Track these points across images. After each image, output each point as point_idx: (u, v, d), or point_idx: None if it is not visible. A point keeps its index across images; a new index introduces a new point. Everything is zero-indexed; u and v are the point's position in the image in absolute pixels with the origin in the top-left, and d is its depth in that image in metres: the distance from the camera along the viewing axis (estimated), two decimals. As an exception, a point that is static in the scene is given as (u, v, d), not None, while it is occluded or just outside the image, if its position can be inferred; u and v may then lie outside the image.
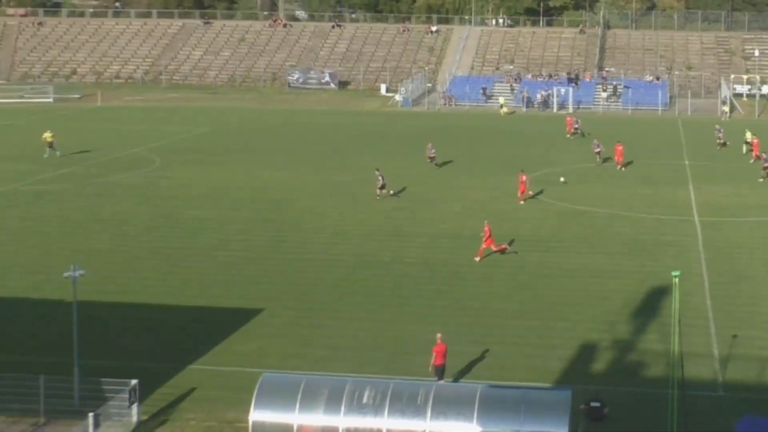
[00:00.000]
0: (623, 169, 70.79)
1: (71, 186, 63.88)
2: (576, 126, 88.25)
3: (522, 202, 60.01)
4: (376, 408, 27.77)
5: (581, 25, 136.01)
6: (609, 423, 29.83)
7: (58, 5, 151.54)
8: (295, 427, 27.66)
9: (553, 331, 38.61)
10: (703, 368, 34.67)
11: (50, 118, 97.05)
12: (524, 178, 60.91)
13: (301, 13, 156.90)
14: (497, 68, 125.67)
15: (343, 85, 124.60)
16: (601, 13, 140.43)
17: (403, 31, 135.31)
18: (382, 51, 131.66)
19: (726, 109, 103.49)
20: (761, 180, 66.61)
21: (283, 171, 69.22)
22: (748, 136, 78.12)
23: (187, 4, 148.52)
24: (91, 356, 33.28)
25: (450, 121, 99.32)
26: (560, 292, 43.47)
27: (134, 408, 30.02)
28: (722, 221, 56.21)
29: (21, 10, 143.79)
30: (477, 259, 48.23)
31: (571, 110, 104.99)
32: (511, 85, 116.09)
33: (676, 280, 28.39)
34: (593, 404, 29.82)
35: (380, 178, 60.93)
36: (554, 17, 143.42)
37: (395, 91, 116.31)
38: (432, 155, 71.26)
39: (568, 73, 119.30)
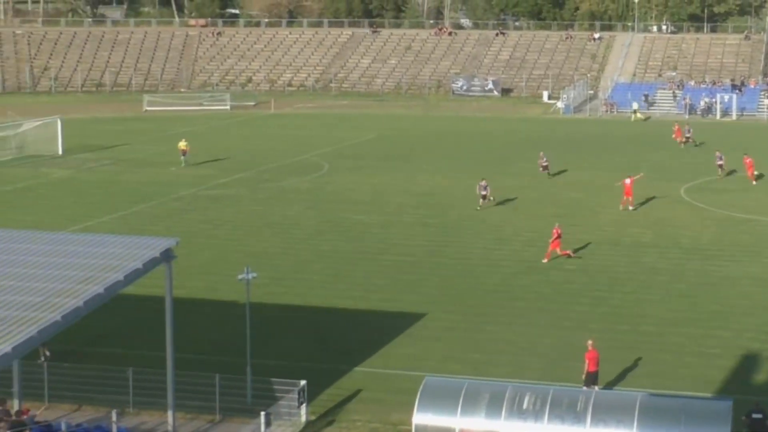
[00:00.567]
0: (755, 182, 66.68)
1: (245, 190, 65.41)
2: (688, 135, 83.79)
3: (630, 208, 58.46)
4: (536, 414, 27.53)
5: (746, 31, 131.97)
6: (770, 436, 28.90)
7: (235, 16, 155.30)
8: (456, 431, 27.65)
9: (713, 340, 37.63)
10: None
11: (227, 125, 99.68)
12: (629, 181, 58.91)
13: (465, 21, 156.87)
14: (660, 75, 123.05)
15: (505, 92, 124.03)
16: (767, 18, 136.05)
17: (566, 38, 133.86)
18: (544, 58, 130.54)
19: None
20: None
21: (446, 177, 69.33)
22: None
23: (356, 14, 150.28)
24: (262, 356, 33.96)
25: (611, 128, 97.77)
26: (720, 301, 42.37)
27: (303, 408, 30.50)
28: None
29: (201, 21, 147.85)
30: (545, 261, 47.93)
31: (686, 117, 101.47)
32: (673, 92, 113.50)
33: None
34: (755, 416, 28.92)
35: (483, 188, 58.94)
36: (718, 23, 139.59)
37: (557, 98, 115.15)
38: (545, 164, 68.87)
39: (732, 80, 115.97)
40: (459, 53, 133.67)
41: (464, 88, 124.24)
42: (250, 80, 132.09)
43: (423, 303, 41.83)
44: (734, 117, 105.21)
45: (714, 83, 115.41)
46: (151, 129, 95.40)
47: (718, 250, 50.43)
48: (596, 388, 31.46)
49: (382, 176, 69.85)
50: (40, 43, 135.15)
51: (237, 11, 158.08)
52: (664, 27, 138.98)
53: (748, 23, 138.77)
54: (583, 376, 32.17)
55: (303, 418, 30.51)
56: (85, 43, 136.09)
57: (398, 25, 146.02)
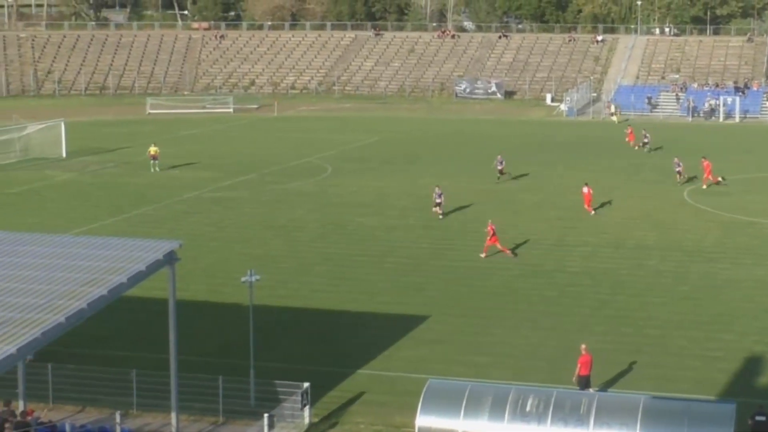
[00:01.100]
0: (705, 186, 65.77)
1: (248, 193, 65.46)
2: (645, 140, 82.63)
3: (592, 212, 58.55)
4: (539, 416, 27.55)
5: (749, 34, 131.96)
6: (773, 438, 28.88)
7: (238, 19, 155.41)
8: (459, 433, 27.68)
9: (717, 343, 37.64)
10: None
11: (230, 128, 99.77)
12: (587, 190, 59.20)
13: (468, 24, 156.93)
14: (663, 77, 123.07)
15: (509, 94, 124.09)
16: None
17: (569, 40, 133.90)
18: (547, 61, 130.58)
19: None
20: None
21: (449, 179, 69.26)
22: None
23: (359, 17, 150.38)
24: (265, 358, 33.98)
25: (613, 130, 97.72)
26: (724, 303, 42.36)
27: (306, 410, 30.54)
28: None
29: (204, 24, 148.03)
30: (482, 255, 49.00)
31: (690, 120, 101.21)
32: (676, 95, 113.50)
33: None
34: (758, 418, 28.91)
35: (436, 195, 58.35)
36: (721, 25, 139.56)
37: (560, 101, 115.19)
38: (501, 168, 68.49)
39: (735, 82, 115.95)
40: (462, 56, 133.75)
41: (467, 90, 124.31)
42: (253, 83, 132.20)
43: (426, 306, 41.85)
44: (737, 119, 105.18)
45: (717, 85, 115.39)
46: (155, 132, 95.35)
47: (721, 252, 50.41)
48: (591, 390, 31.46)
49: (386, 179, 69.89)
50: (44, 47, 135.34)
51: (240, 14, 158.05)
52: (667, 29, 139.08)
53: (751, 25, 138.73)
54: (574, 379, 32.20)
55: (306, 421, 30.56)
56: (89, 47, 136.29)
57: (401, 28, 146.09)
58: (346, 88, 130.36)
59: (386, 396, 32.73)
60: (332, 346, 37.45)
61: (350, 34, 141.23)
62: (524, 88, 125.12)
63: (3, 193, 65.74)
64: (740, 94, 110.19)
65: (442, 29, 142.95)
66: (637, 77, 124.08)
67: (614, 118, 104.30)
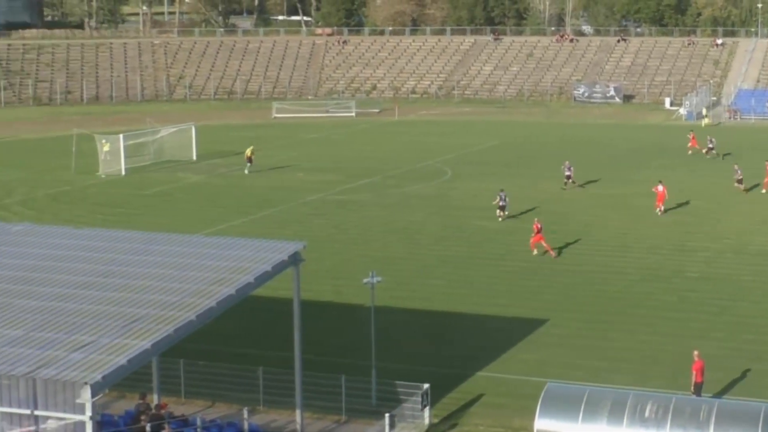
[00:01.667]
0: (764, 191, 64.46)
1: (371, 196, 65.82)
2: (710, 146, 80.00)
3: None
4: (658, 422, 27.07)
5: None
6: None
7: (360, 24, 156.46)
8: (578, 437, 27.37)
9: (842, 352, 36.48)
10: None
11: (352, 131, 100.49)
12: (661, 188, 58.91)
13: (587, 28, 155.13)
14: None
15: (627, 98, 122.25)
16: None
17: (688, 44, 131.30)
18: (666, 64, 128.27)
19: None
20: None
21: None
22: None
23: (478, 21, 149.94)
24: (386, 359, 34.08)
25: (734, 135, 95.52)
26: None
27: (426, 411, 30.56)
28: None
29: (328, 30, 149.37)
30: (534, 252, 49.71)
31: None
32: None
33: None
34: None
35: (500, 198, 58.03)
36: None
37: (679, 105, 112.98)
38: (568, 174, 67.05)
39: None
40: (580, 60, 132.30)
41: (586, 94, 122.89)
42: (374, 87, 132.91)
43: (545, 309, 41.51)
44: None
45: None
46: (280, 135, 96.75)
47: None
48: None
49: (505, 183, 69.26)
50: (176, 53, 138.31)
51: (363, 19, 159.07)
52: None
53: None
54: (692, 388, 31.49)
55: (426, 421, 30.57)
56: (218, 53, 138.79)
57: (520, 33, 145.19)
58: (466, 92, 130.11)
59: (505, 398, 32.56)
60: (452, 347, 37.41)
61: (470, 39, 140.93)
62: (643, 92, 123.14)
63: (138, 195, 67.42)
64: None
65: (561, 33, 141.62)
66: (758, 81, 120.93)
67: (704, 121, 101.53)
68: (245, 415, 28.96)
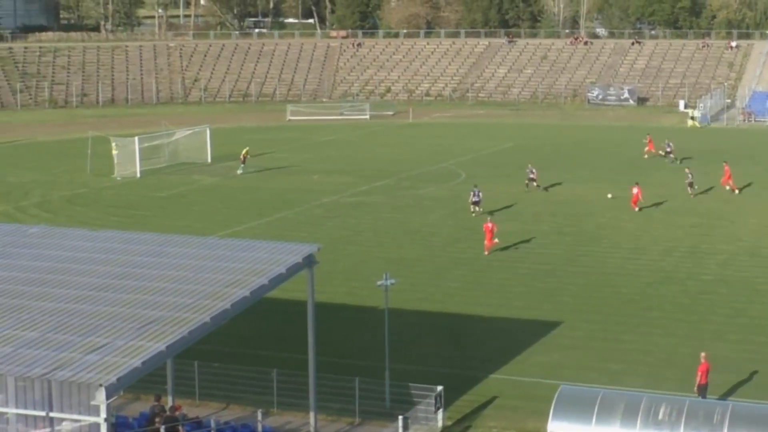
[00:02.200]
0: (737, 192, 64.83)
1: (385, 198, 65.79)
2: (668, 150, 79.29)
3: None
4: (672, 425, 26.98)
5: None
6: None
7: (375, 27, 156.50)
8: (591, 440, 27.28)
9: None
10: None
11: (366, 134, 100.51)
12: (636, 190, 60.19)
13: (601, 30, 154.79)
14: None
15: (641, 101, 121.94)
16: None
17: (703, 46, 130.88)
18: (681, 67, 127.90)
19: None
20: None
21: (581, 185, 68.54)
22: None
23: (492, 24, 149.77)
24: (400, 361, 34.10)
25: (748, 137, 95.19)
26: None
27: (439, 413, 30.52)
28: None
29: (342, 32, 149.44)
30: (486, 253, 50.13)
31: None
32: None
33: None
34: None
35: (473, 194, 59.68)
36: None
37: (693, 107, 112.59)
38: (532, 176, 67.32)
39: None
40: (595, 62, 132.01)
41: (600, 97, 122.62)
42: (389, 90, 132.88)
43: (559, 311, 41.42)
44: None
45: None
46: (295, 138, 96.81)
47: None
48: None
49: (519, 185, 69.29)
50: (191, 56, 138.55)
51: (377, 22, 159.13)
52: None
53: None
54: (695, 389, 31.39)
55: (439, 424, 30.54)
56: (233, 55, 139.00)
57: (534, 35, 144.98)
58: (480, 94, 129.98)
59: (519, 401, 32.50)
60: (466, 350, 37.37)
61: (484, 42, 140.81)
62: (657, 95, 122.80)
63: (153, 197, 67.56)
64: None
65: (575, 36, 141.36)
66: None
67: (691, 123, 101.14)
68: (259, 417, 29.00)
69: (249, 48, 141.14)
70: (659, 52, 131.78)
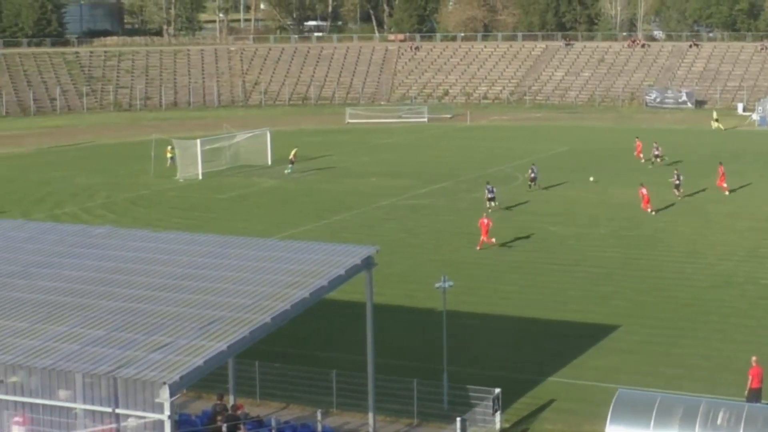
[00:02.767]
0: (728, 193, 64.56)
1: (442, 201, 65.73)
2: (656, 153, 78.75)
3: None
4: (730, 430, 26.61)
5: None
6: None
7: (432, 30, 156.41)
8: (648, 444, 27.01)
9: None
10: None
11: (424, 137, 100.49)
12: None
13: (658, 33, 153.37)
14: None
15: (699, 104, 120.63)
16: None
17: (761, 49, 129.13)
18: (739, 69, 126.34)
19: None
20: None
21: (637, 189, 67.81)
22: None
23: (550, 27, 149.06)
24: (457, 363, 34.02)
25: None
26: None
27: (497, 416, 30.40)
28: None
29: (400, 36, 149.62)
30: (478, 248, 51.39)
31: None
32: None
33: None
34: None
35: (488, 191, 61.17)
36: None
37: (752, 110, 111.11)
38: (533, 176, 68.24)
39: None
40: (652, 65, 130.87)
41: (657, 100, 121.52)
42: (446, 93, 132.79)
43: (616, 315, 41.09)
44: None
45: None
46: (353, 140, 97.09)
47: None
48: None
49: (576, 188, 68.98)
50: (252, 59, 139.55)
51: (435, 25, 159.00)
52: None
53: None
54: (746, 393, 30.95)
55: (497, 426, 30.41)
56: (292, 59, 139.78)
57: (591, 38, 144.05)
58: (537, 97, 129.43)
59: (576, 404, 32.29)
60: (523, 352, 37.21)
61: (541, 45, 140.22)
62: (715, 98, 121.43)
63: (214, 199, 68.12)
64: None
65: (632, 38, 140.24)
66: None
67: (716, 125, 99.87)
68: (319, 417, 29.07)
69: (308, 51, 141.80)
70: (717, 55, 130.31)
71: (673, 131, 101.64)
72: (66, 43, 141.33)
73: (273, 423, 28.83)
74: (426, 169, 78.10)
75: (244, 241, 31.58)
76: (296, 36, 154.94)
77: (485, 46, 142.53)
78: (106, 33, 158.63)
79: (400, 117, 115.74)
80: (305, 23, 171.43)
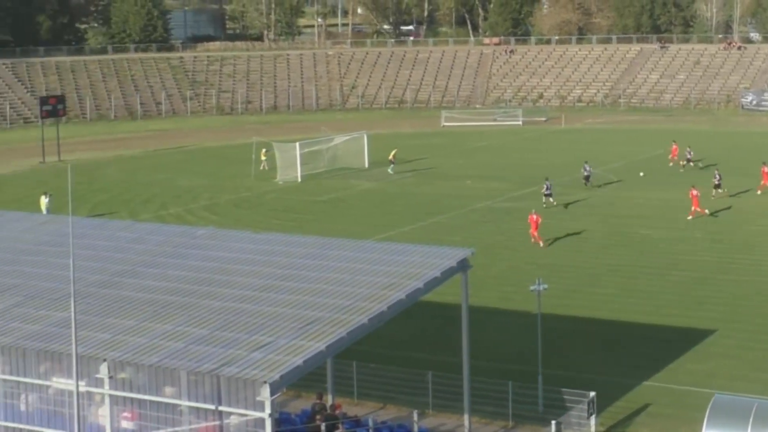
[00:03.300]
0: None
1: (537, 204, 65.00)
2: (688, 156, 76.69)
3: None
4: (830, 437, 25.91)
5: None
6: None
7: (527, 34, 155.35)
8: (745, 452, 26.41)
9: None
10: None
11: (519, 139, 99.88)
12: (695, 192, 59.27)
13: (755, 35, 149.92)
14: None
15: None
16: None
17: None
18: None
19: None
20: None
21: (737, 193, 66.43)
22: None
23: (644, 30, 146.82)
24: (552, 366, 33.71)
25: None
26: None
27: (592, 419, 30.04)
28: None
29: (495, 39, 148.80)
30: (533, 241, 52.59)
31: None
32: None
33: None
34: None
35: (546, 186, 62.80)
36: None
37: None
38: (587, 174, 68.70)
39: None
40: (748, 67, 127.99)
41: (754, 102, 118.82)
42: (541, 96, 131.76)
43: (712, 320, 40.29)
44: None
45: None
46: (448, 143, 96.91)
47: None
48: None
49: (671, 191, 67.75)
50: (349, 63, 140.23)
51: (529, 28, 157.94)
52: None
53: None
54: None
55: (592, 429, 30.04)
56: (389, 63, 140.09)
57: (686, 40, 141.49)
58: (632, 100, 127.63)
59: (672, 409, 31.75)
60: (618, 356, 36.71)
61: (636, 47, 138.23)
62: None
63: (313, 201, 68.64)
64: None
65: (728, 40, 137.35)
66: None
67: None
68: (415, 418, 29.07)
69: (404, 55, 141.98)
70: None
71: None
72: (171, 49, 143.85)
73: (370, 423, 28.92)
74: (521, 172, 77.56)
75: (342, 243, 31.72)
76: (393, 40, 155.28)
77: (579, 49, 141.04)
78: (209, 38, 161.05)
79: (494, 120, 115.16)
80: (401, 27, 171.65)
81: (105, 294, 27.42)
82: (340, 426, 27.48)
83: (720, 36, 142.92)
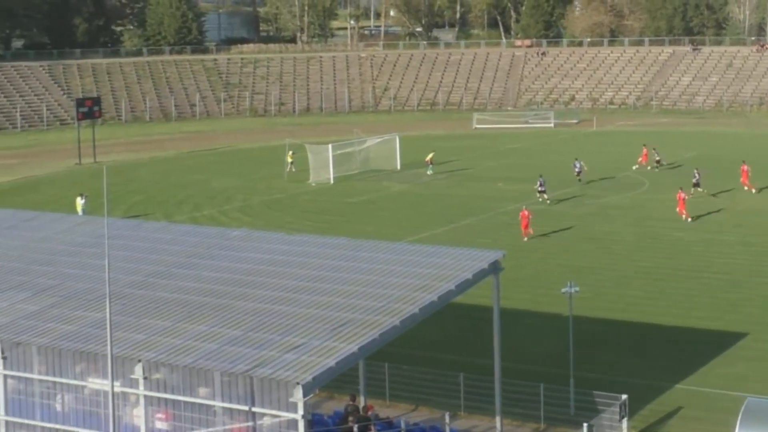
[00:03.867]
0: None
1: (569, 206, 64.96)
2: (657, 158, 77.00)
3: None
4: None
5: None
6: None
7: (559, 36, 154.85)
8: (779, 454, 26.15)
9: None
10: None
11: (550, 142, 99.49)
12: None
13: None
14: None
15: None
16: None
17: None
18: None
19: None
20: None
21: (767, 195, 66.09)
22: None
23: (677, 32, 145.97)
24: (583, 368, 33.52)
25: None
26: None
27: (624, 422, 29.85)
28: None
29: (527, 41, 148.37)
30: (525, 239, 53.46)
31: None
32: None
33: None
34: None
35: (540, 183, 64.44)
36: None
37: None
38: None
39: None
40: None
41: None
42: (572, 98, 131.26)
43: (744, 323, 39.96)
44: None
45: None
46: (480, 146, 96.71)
47: None
48: None
49: (702, 193, 67.28)
50: (381, 65, 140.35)
51: (561, 30, 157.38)
52: None
53: None
54: None
55: (624, 432, 29.93)
56: (421, 65, 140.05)
57: (719, 42, 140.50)
58: (664, 103, 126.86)
59: (703, 412, 31.53)
60: (649, 359, 36.48)
61: (668, 50, 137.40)
62: None
63: (345, 203, 68.71)
64: None
65: (761, 43, 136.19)
66: None
67: None
68: (447, 420, 29.01)
69: (436, 58, 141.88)
70: None
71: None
72: (205, 51, 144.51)
73: (402, 425, 28.90)
74: (552, 175, 77.06)
75: (374, 245, 31.71)
76: (425, 42, 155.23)
77: (612, 52, 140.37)
78: (242, 40, 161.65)
79: (526, 122, 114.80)
80: (433, 29, 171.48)
81: (140, 295, 27.58)
82: (372, 427, 27.46)
83: (753, 38, 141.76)
